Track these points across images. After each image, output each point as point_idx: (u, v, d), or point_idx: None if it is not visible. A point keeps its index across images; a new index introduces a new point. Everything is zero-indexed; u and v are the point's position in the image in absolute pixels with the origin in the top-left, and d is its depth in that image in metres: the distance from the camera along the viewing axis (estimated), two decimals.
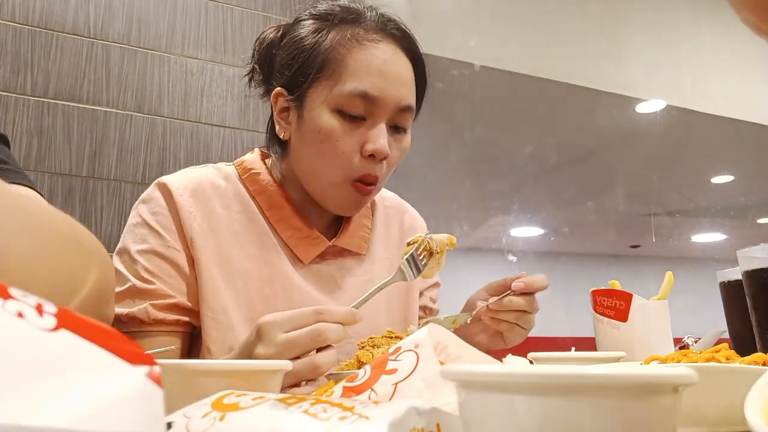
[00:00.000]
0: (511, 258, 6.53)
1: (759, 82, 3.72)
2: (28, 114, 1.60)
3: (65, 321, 0.25)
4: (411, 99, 0.92)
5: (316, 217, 0.99)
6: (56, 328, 0.24)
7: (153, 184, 0.94)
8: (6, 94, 1.59)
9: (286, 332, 0.70)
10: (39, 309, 0.25)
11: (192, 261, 0.90)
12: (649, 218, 6.11)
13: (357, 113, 0.88)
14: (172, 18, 1.80)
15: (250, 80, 1.01)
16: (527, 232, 6.82)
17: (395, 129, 0.92)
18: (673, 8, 3.54)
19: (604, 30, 3.33)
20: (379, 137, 0.88)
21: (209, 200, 0.94)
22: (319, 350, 0.71)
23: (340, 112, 0.88)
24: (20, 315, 0.24)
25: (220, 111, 1.84)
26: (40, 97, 1.62)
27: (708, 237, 7.06)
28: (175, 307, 0.87)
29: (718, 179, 5.34)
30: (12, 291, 0.25)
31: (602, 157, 4.70)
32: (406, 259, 0.85)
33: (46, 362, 0.23)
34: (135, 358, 0.25)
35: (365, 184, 0.91)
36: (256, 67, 1.00)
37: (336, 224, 1.02)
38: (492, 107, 3.66)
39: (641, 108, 3.73)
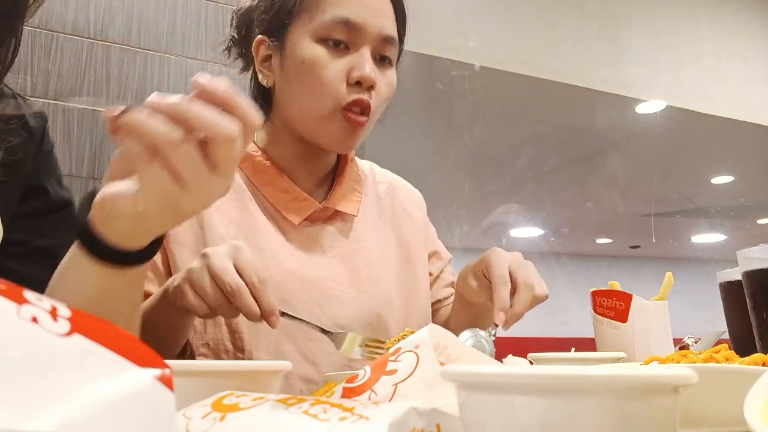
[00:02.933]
0: None
1: (759, 83, 3.72)
2: None
3: (78, 325, 0.25)
4: (392, 30, 0.92)
5: (304, 178, 0.98)
6: (69, 333, 0.25)
7: None
8: None
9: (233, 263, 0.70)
10: (53, 313, 0.25)
11: (164, 245, 0.88)
12: (649, 218, 6.11)
13: (340, 39, 0.88)
14: (172, 19, 1.80)
15: (228, 51, 1.01)
16: (527, 232, 6.82)
17: (380, 61, 0.92)
18: (673, 9, 3.55)
19: (604, 30, 3.33)
20: (365, 63, 0.88)
21: None
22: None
23: (323, 41, 0.89)
24: (35, 320, 0.24)
25: None
26: (40, 97, 1.62)
27: (708, 237, 7.06)
28: None
29: (718, 179, 5.34)
30: (27, 295, 0.25)
31: (602, 158, 4.70)
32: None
33: (56, 367, 0.23)
34: (145, 361, 0.26)
35: (357, 114, 0.89)
36: (235, 35, 0.99)
37: (325, 188, 1.02)
38: (492, 107, 3.66)
39: (641, 108, 3.73)
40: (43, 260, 0.79)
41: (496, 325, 0.83)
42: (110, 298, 0.61)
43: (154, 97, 0.51)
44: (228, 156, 0.53)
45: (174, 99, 0.51)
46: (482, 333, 0.82)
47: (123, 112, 0.51)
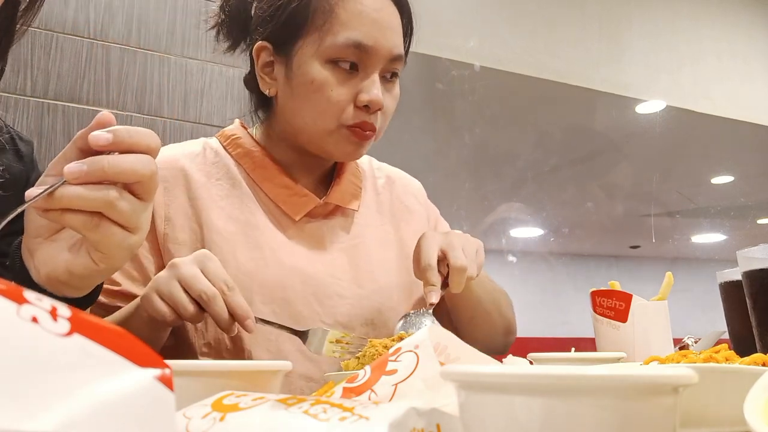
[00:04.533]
0: (511, 258, 6.53)
1: (759, 83, 3.71)
2: (28, 114, 1.60)
3: (78, 325, 0.25)
4: (402, 47, 0.93)
5: (303, 175, 0.99)
6: (69, 333, 0.25)
7: None
8: (6, 94, 1.59)
9: (200, 269, 0.72)
10: (53, 313, 0.25)
11: (159, 245, 0.90)
12: (649, 218, 6.11)
13: (350, 62, 0.88)
14: (172, 18, 1.80)
15: (217, 32, 0.98)
16: (527, 232, 6.81)
17: (386, 79, 0.92)
18: (674, 9, 3.54)
19: (604, 31, 3.33)
20: (373, 88, 0.88)
21: (187, 171, 0.93)
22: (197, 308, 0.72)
23: (333, 63, 0.88)
24: (35, 320, 0.24)
25: (220, 112, 1.84)
26: (40, 97, 1.62)
27: (708, 237, 7.05)
28: (120, 294, 0.87)
29: (718, 179, 5.33)
30: (27, 295, 0.25)
31: (602, 158, 4.70)
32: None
33: (56, 367, 0.23)
34: (145, 361, 0.26)
35: (363, 130, 0.90)
36: (226, 18, 0.97)
37: (325, 184, 1.02)
38: (492, 107, 3.65)
39: (641, 108, 3.73)
40: (25, 274, 0.86)
41: (432, 305, 0.84)
42: None
43: (72, 167, 0.52)
44: (153, 186, 0.56)
45: (84, 164, 0.52)
46: (413, 314, 0.83)
47: (48, 192, 0.52)
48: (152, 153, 0.55)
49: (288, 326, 0.80)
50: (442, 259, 0.86)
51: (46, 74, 1.63)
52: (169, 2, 1.81)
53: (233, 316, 0.72)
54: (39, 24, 1.64)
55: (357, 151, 0.93)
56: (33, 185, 0.90)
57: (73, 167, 0.52)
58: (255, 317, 0.74)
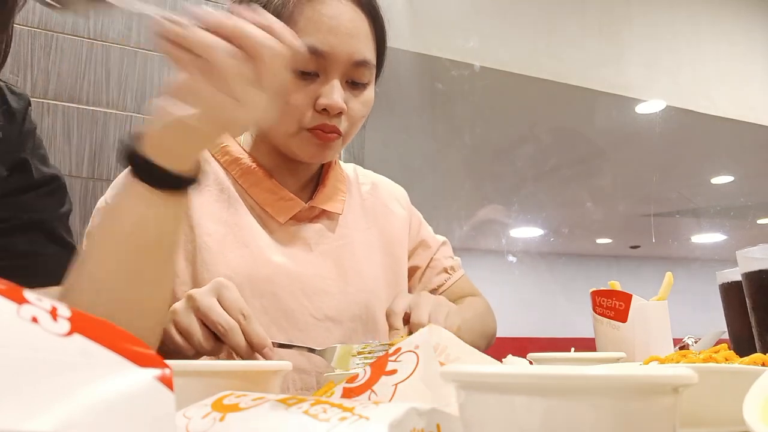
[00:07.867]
0: (511, 259, 6.53)
1: (759, 83, 3.71)
2: None
3: (78, 325, 0.25)
4: (365, 53, 0.91)
5: (290, 181, 1.00)
6: (69, 333, 0.25)
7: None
8: None
9: (215, 300, 0.72)
10: (53, 313, 0.25)
11: None
12: (649, 218, 6.11)
13: (308, 69, 0.88)
14: None
15: None
16: (527, 232, 6.82)
17: (353, 85, 0.92)
18: (673, 9, 3.54)
19: (604, 31, 3.33)
20: (332, 92, 0.88)
21: None
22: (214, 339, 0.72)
23: (291, 69, 0.89)
24: (35, 320, 0.24)
25: None
26: (39, 97, 1.62)
27: (708, 237, 7.05)
28: None
29: (718, 179, 5.33)
30: (27, 295, 0.25)
31: (602, 158, 4.70)
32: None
33: (56, 367, 0.23)
34: (145, 361, 0.26)
35: (324, 132, 0.90)
36: None
37: (311, 189, 1.04)
38: (492, 108, 3.66)
39: (641, 108, 3.73)
40: (31, 232, 0.84)
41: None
42: (156, 225, 0.65)
43: (206, 14, 0.56)
44: (274, 73, 0.58)
45: (224, 17, 0.56)
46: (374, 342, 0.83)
47: (176, 24, 0.55)
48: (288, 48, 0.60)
49: (306, 346, 0.81)
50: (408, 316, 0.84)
51: (46, 74, 1.63)
52: (168, 2, 1.81)
53: (251, 345, 0.72)
54: (39, 24, 1.64)
55: (322, 153, 0.94)
56: (20, 144, 0.88)
57: (207, 13, 0.57)
58: (272, 342, 0.74)
